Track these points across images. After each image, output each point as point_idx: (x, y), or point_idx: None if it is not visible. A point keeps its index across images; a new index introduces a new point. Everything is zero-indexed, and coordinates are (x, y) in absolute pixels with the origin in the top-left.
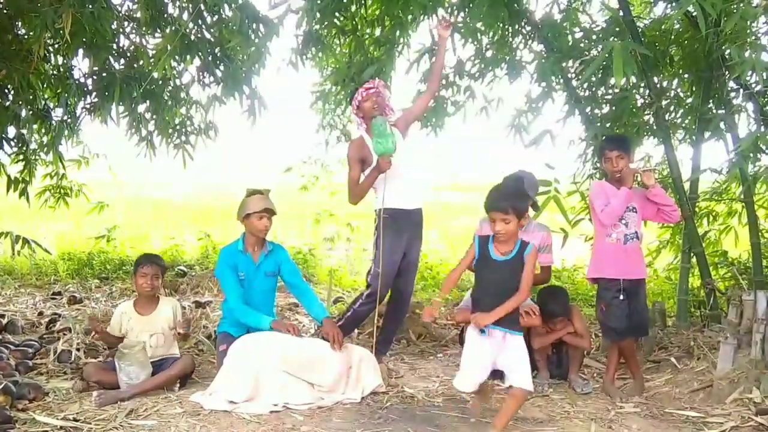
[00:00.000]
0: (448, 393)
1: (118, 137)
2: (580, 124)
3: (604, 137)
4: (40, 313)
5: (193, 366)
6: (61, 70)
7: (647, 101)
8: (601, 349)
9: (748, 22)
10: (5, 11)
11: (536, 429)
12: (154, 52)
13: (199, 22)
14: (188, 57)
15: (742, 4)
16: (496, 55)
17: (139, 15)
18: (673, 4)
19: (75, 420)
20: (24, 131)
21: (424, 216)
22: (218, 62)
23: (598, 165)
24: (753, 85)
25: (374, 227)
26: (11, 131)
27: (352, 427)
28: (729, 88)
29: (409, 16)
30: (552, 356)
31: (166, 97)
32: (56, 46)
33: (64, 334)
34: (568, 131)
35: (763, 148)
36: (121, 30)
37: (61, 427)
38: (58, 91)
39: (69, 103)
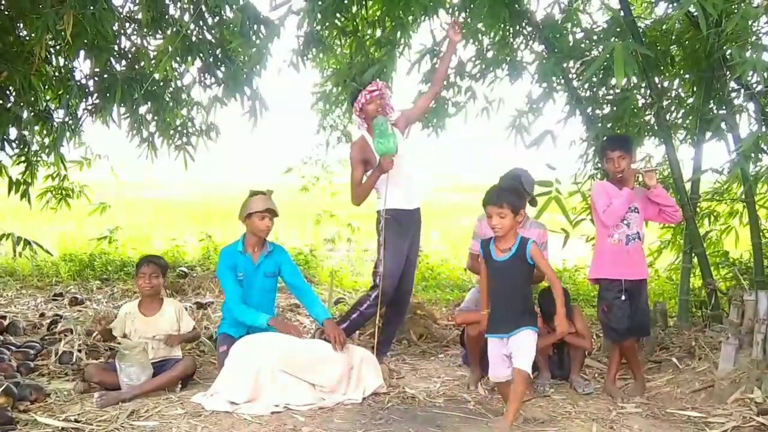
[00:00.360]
0: (450, 394)
1: (120, 138)
2: (581, 124)
3: (605, 137)
4: (42, 315)
5: (194, 367)
6: (63, 71)
7: (648, 101)
8: (603, 349)
9: (749, 22)
10: (6, 13)
11: (537, 429)
12: (155, 53)
13: (201, 23)
14: (189, 58)
15: (743, 5)
16: (497, 56)
17: (140, 16)
18: (674, 4)
19: (76, 421)
20: (25, 133)
21: (425, 216)
22: (219, 63)
23: (600, 165)
24: (754, 86)
25: (376, 228)
26: (13, 133)
27: (353, 428)
28: (730, 89)
29: (410, 17)
30: (553, 357)
31: (167, 99)
32: (57, 47)
33: (66, 336)
34: (569, 132)
35: (764, 148)
36: (122, 31)
37: (63, 428)
38: (60, 92)
39: (70, 104)
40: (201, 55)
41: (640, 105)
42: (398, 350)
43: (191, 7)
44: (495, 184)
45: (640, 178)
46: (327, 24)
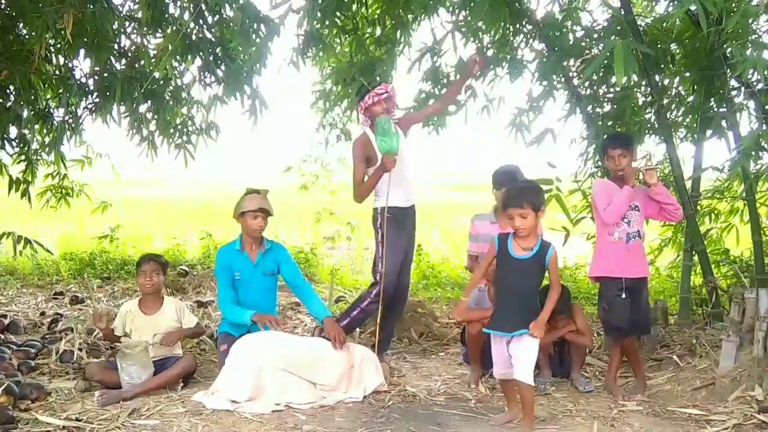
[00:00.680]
0: (450, 392)
1: (121, 137)
2: (582, 122)
3: (606, 136)
4: (42, 314)
5: (195, 365)
6: (63, 70)
7: (649, 100)
8: (603, 347)
9: (750, 21)
10: (7, 12)
11: (539, 427)
12: (155, 52)
13: (201, 22)
14: (189, 57)
15: (743, 3)
16: (497, 54)
17: (140, 15)
18: (675, 2)
19: (77, 420)
20: (26, 131)
21: (425, 215)
22: (219, 62)
23: (600, 163)
24: (754, 84)
25: (374, 226)
26: (13, 131)
27: (354, 426)
28: (730, 87)
29: (410, 16)
30: (554, 355)
31: (167, 97)
32: (58, 46)
33: (66, 334)
34: (569, 130)
35: (765, 146)
36: (122, 30)
37: (64, 427)
38: (60, 91)
39: (70, 103)
40: (201, 53)
41: (640, 103)
42: (399, 348)
43: (191, 5)
44: (514, 185)
45: (641, 177)
46: (327, 22)
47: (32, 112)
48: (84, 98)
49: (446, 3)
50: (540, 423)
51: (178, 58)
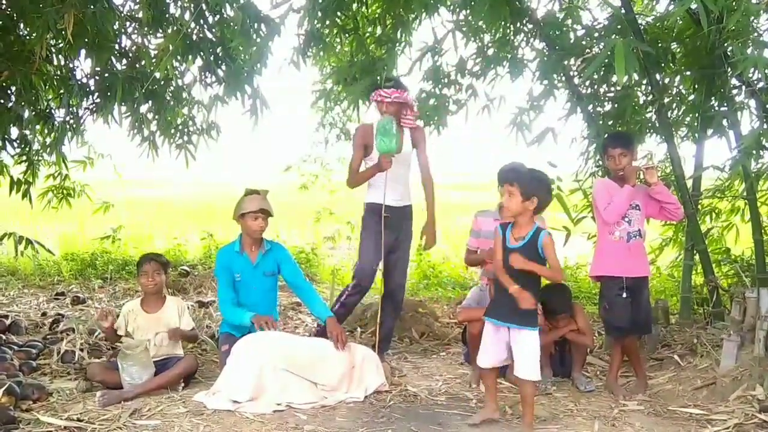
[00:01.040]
0: (451, 392)
1: (123, 138)
2: (582, 121)
3: (606, 135)
4: (44, 314)
5: (196, 365)
6: (64, 70)
7: (649, 99)
8: (604, 347)
9: (750, 19)
10: (7, 12)
11: (539, 427)
12: (156, 52)
13: (201, 22)
14: (190, 57)
15: (743, 1)
16: (497, 54)
17: (141, 15)
18: (676, 1)
19: (79, 420)
20: (27, 132)
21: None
22: (220, 62)
23: (601, 163)
24: (755, 82)
25: (362, 220)
26: (14, 132)
27: (355, 426)
28: (731, 85)
29: (411, 15)
30: (555, 354)
31: (168, 97)
32: (58, 46)
33: (68, 335)
34: (570, 129)
35: (766, 145)
36: (123, 30)
37: (65, 427)
38: (61, 91)
39: (71, 103)
40: (202, 53)
41: (641, 102)
42: (400, 348)
43: (192, 5)
44: (517, 166)
45: (641, 176)
46: (327, 22)
47: (33, 113)
48: (85, 98)
49: (447, 2)
50: (541, 423)
51: (178, 58)
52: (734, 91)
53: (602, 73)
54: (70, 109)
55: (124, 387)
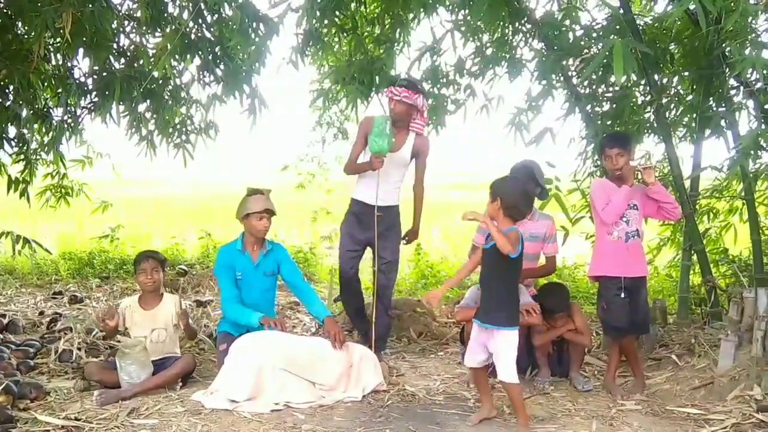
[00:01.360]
0: (449, 391)
1: (122, 137)
2: (581, 121)
3: (604, 135)
4: (41, 313)
5: (194, 364)
6: (62, 69)
7: (648, 99)
8: (602, 346)
9: (749, 20)
10: (6, 10)
11: (537, 427)
12: (154, 51)
13: (200, 21)
14: (188, 56)
15: (742, 2)
16: (496, 53)
17: (139, 14)
18: (674, 1)
19: (76, 419)
20: (24, 131)
21: (424, 214)
22: (218, 61)
23: (599, 163)
24: (753, 83)
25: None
26: (12, 131)
27: (353, 426)
28: (729, 86)
29: (410, 15)
30: (553, 354)
31: (166, 97)
32: (56, 45)
33: (65, 334)
34: (568, 129)
35: (764, 145)
36: (121, 29)
37: (63, 427)
38: (59, 90)
39: (69, 102)
40: (200, 53)
41: (639, 102)
42: (398, 348)
43: (190, 4)
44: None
45: (639, 176)
46: (326, 21)
47: (31, 112)
48: (83, 97)
49: (446, 2)
50: (539, 422)
51: (177, 57)
52: (732, 92)
53: (600, 73)
54: (68, 108)
55: (122, 386)
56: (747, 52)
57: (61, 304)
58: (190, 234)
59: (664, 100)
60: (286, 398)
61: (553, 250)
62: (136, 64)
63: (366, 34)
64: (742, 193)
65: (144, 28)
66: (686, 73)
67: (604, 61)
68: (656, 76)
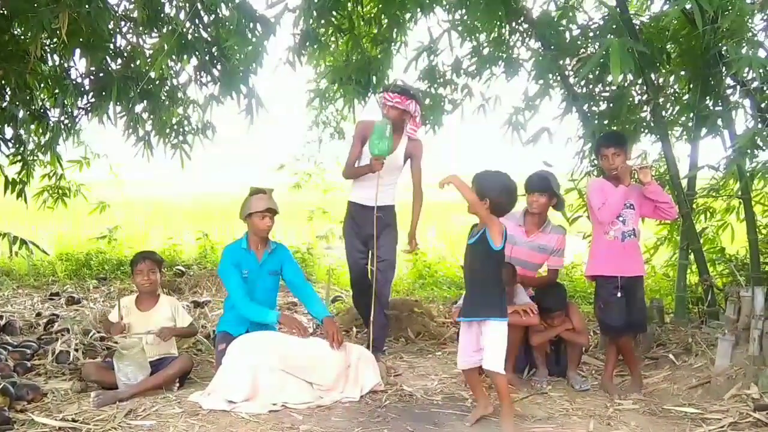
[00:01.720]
0: (447, 391)
1: (119, 137)
2: (578, 121)
3: (599, 135)
4: (38, 314)
5: (191, 365)
6: (58, 70)
7: (644, 98)
8: (600, 346)
9: (745, 19)
10: (2, 11)
11: (535, 426)
12: (151, 51)
13: (196, 21)
14: (185, 57)
15: (738, 1)
16: (493, 53)
17: (135, 15)
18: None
19: (74, 420)
20: (21, 132)
21: (423, 213)
22: (215, 62)
23: (596, 162)
24: (750, 82)
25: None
26: (8, 132)
27: (351, 426)
28: (726, 85)
29: (407, 15)
30: (550, 354)
31: (163, 97)
32: (53, 46)
33: (63, 335)
34: (565, 128)
35: (761, 144)
36: (117, 30)
37: (60, 428)
38: (56, 91)
39: (66, 103)
40: (197, 53)
41: (636, 102)
42: (396, 348)
43: (187, 5)
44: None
45: (636, 175)
46: (323, 21)
47: (28, 113)
48: (80, 98)
49: (442, 2)
50: (537, 422)
51: (173, 57)
52: (729, 91)
53: (597, 72)
54: (65, 108)
55: (120, 387)
56: (743, 51)
57: (59, 305)
58: (188, 235)
59: (661, 100)
60: (284, 399)
61: (557, 264)
62: (132, 65)
63: (363, 34)
64: (739, 192)
65: (141, 28)
66: (683, 73)
67: (601, 60)
68: (653, 76)
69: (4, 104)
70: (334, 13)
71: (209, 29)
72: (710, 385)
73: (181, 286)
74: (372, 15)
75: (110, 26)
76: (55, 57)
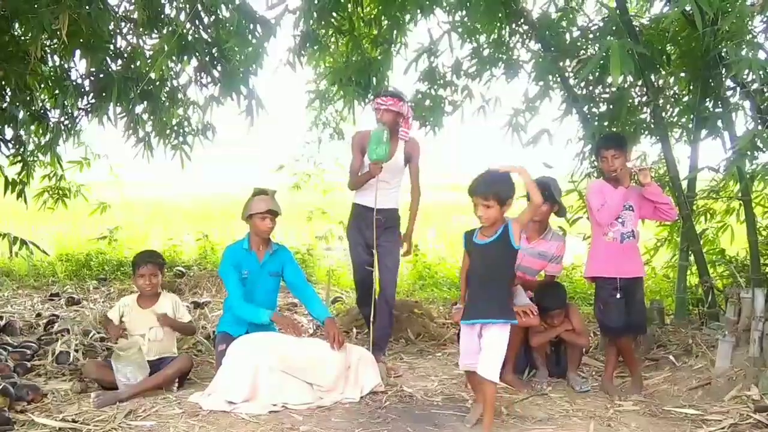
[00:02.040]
0: (447, 392)
1: (120, 138)
2: (578, 122)
3: (599, 136)
4: (39, 315)
5: (190, 364)
6: (58, 71)
7: (644, 100)
8: (600, 347)
9: (745, 21)
10: (2, 12)
11: (535, 427)
12: (151, 52)
13: (196, 22)
14: (185, 58)
15: (738, 3)
16: (493, 55)
17: (136, 16)
18: (671, 2)
19: (74, 421)
20: (22, 132)
21: (421, 215)
22: (215, 63)
23: (596, 164)
24: (750, 84)
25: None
26: (9, 132)
27: (351, 427)
28: (726, 87)
29: (407, 16)
30: (550, 355)
31: (163, 98)
32: (53, 47)
33: (63, 336)
34: (565, 130)
35: (761, 145)
36: (118, 31)
37: (60, 429)
38: (56, 92)
39: (66, 104)
40: (197, 54)
41: (636, 103)
42: (396, 349)
43: (187, 6)
44: (481, 173)
45: (635, 177)
46: (323, 23)
47: (28, 113)
48: (80, 99)
49: (443, 3)
50: (537, 423)
51: (174, 58)
52: (729, 93)
53: (597, 74)
54: (65, 109)
55: (119, 388)
56: (743, 53)
57: (59, 305)
58: (188, 235)
59: (661, 101)
60: (284, 399)
61: (555, 270)
62: (133, 66)
63: (363, 35)
64: (739, 194)
65: (141, 29)
66: (683, 74)
67: (601, 62)
68: (653, 77)
69: (5, 105)
70: (335, 14)
71: (209, 30)
72: (710, 387)
73: (181, 286)
74: (372, 16)
75: (110, 27)
76: (56, 58)
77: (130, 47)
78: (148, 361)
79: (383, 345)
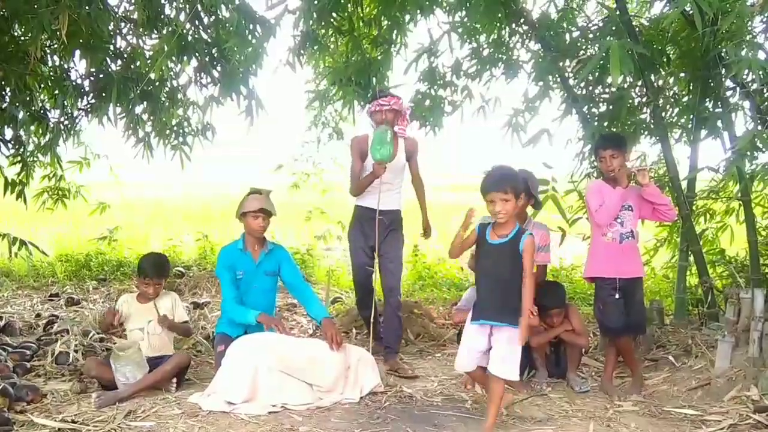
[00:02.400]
0: (447, 393)
1: (119, 138)
2: (578, 123)
3: (598, 136)
4: (38, 315)
5: (188, 360)
6: (58, 71)
7: (644, 100)
8: (599, 347)
9: (745, 21)
10: (2, 12)
11: (535, 428)
12: (151, 53)
13: (196, 23)
14: (185, 58)
15: (737, 3)
16: (493, 55)
17: (135, 16)
18: (670, 2)
19: (73, 422)
20: (21, 133)
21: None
22: (215, 63)
23: (596, 164)
24: (749, 84)
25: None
26: (8, 133)
27: (351, 428)
28: (726, 87)
29: (407, 16)
30: (550, 355)
31: (163, 98)
32: (53, 47)
33: (62, 336)
34: (565, 130)
35: (760, 146)
36: (117, 31)
37: (60, 429)
38: (55, 92)
39: (66, 104)
40: (197, 54)
41: (636, 104)
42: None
43: (187, 6)
44: (488, 172)
45: (634, 177)
46: (323, 23)
47: (28, 114)
48: (80, 99)
49: (443, 3)
50: (536, 423)
51: (173, 59)
52: (728, 93)
53: (597, 74)
54: (65, 109)
55: (119, 387)
56: (743, 53)
57: (58, 306)
58: (188, 236)
59: (661, 101)
60: (284, 400)
61: (544, 260)
62: (132, 66)
63: (363, 35)
64: (739, 194)
65: (141, 29)
66: (682, 75)
67: (601, 62)
68: (653, 78)
69: (4, 105)
70: (334, 14)
71: (209, 30)
72: (710, 387)
73: (181, 287)
74: (372, 16)
75: (110, 27)
76: (55, 58)
77: (129, 47)
78: (146, 359)
79: (396, 347)
